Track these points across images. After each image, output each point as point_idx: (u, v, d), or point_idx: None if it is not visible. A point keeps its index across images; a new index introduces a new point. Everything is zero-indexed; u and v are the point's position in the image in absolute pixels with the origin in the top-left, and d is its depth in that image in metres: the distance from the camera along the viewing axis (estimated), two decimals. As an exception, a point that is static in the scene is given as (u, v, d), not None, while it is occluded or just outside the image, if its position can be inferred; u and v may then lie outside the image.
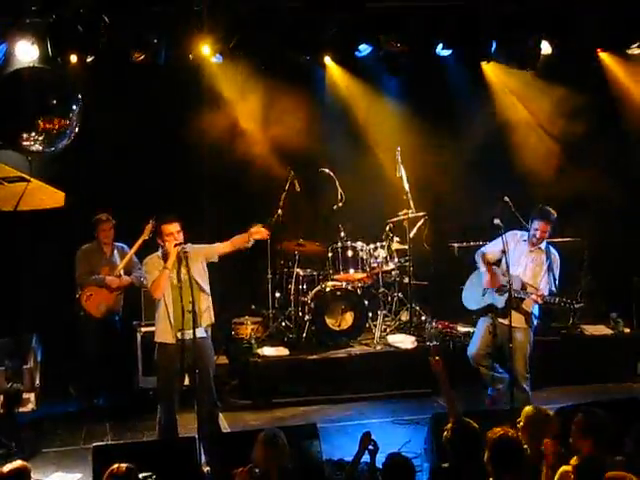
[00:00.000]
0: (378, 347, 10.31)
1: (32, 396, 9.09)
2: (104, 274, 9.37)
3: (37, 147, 9.18)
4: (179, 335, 7.66)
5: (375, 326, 10.54)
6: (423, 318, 10.72)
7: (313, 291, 10.45)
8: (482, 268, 8.78)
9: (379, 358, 10.18)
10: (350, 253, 10.53)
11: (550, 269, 8.55)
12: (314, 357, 10.09)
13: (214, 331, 8.53)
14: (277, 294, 10.82)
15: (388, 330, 10.62)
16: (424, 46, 10.20)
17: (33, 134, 9.09)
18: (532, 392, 8.63)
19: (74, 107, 9.34)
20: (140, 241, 9.07)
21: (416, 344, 10.25)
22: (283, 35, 9.64)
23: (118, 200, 10.09)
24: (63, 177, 9.78)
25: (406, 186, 10.61)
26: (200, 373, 7.69)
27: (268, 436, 5.93)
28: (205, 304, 7.82)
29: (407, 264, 10.79)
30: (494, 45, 10.18)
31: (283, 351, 10.17)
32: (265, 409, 9.57)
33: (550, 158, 11.52)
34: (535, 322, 8.72)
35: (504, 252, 8.30)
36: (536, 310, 8.66)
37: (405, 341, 10.30)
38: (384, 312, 10.74)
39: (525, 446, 5.48)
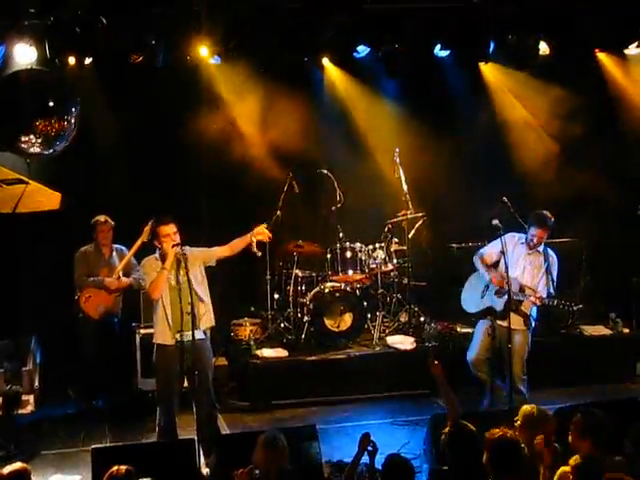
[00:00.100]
0: (377, 348, 10.31)
1: (31, 398, 9.08)
2: (103, 276, 9.37)
3: (35, 149, 9.16)
4: (178, 337, 7.65)
5: (374, 327, 10.54)
6: (422, 319, 10.71)
7: (312, 292, 10.45)
8: (482, 270, 8.78)
9: (378, 359, 10.18)
10: (349, 254, 10.54)
11: (548, 271, 8.55)
12: (313, 358, 10.08)
13: (213, 333, 8.53)
14: (276, 295, 10.81)
15: (387, 331, 10.62)
16: (422, 47, 10.20)
17: (31, 136, 9.07)
18: (531, 392, 8.63)
19: (72, 109, 9.33)
20: (139, 243, 9.06)
21: (415, 345, 10.25)
22: (281, 36, 9.64)
23: (116, 202, 10.10)
24: (61, 179, 9.81)
25: (405, 187, 10.61)
26: (199, 375, 7.69)
27: (268, 438, 5.94)
28: (203, 308, 7.81)
29: (406, 265, 10.80)
30: (492, 46, 10.18)
31: (282, 352, 10.17)
32: (264, 410, 9.57)
33: (549, 159, 11.51)
34: (533, 324, 8.72)
35: (503, 253, 8.32)
36: (534, 312, 8.67)
37: (404, 342, 10.30)
38: (383, 313, 10.74)
39: (523, 446, 5.49)
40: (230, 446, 6.96)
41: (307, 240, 10.78)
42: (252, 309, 10.99)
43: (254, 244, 7.93)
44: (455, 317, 10.44)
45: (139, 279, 9.02)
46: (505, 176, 11.23)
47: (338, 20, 9.62)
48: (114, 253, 9.57)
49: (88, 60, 9.56)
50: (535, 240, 8.56)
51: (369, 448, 6.00)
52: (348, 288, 10.43)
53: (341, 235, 10.57)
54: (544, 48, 10.27)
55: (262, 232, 7.93)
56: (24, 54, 9.14)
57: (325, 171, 10.64)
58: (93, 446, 7.01)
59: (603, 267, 11.02)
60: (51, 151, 9.38)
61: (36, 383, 9.28)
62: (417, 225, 10.73)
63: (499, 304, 8.57)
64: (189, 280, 7.51)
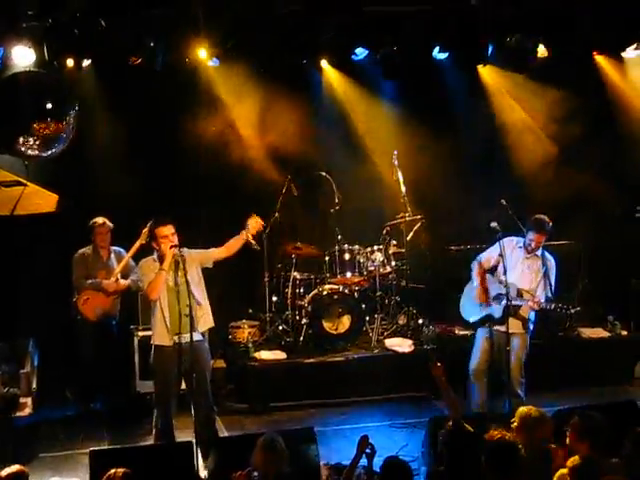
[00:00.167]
0: (375, 351, 10.30)
1: (29, 400, 9.07)
2: (101, 278, 9.36)
3: (33, 151, 9.15)
4: (176, 339, 7.64)
5: (372, 330, 10.53)
6: (420, 321, 10.71)
7: (310, 295, 10.44)
8: (475, 282, 8.77)
9: (376, 361, 10.18)
10: (347, 256, 10.54)
11: (546, 275, 8.54)
12: (311, 361, 10.08)
13: (211, 335, 8.53)
14: (274, 298, 10.81)
15: (385, 333, 10.61)
16: (421, 49, 10.20)
17: (29, 138, 9.06)
18: (529, 395, 8.61)
19: (71, 111, 9.32)
20: (137, 245, 9.05)
21: (413, 347, 10.25)
22: (280, 38, 9.64)
23: (115, 203, 10.10)
24: (59, 180, 9.79)
25: (403, 189, 10.61)
26: (197, 377, 7.69)
27: (267, 440, 5.94)
28: (201, 310, 7.81)
29: (404, 267, 10.80)
30: (491, 48, 10.19)
31: (280, 355, 10.16)
32: (262, 413, 9.57)
33: (547, 161, 11.52)
34: (531, 327, 8.72)
35: (502, 256, 8.32)
36: (532, 315, 8.66)
37: (402, 344, 10.29)
38: (381, 315, 10.73)
39: (520, 447, 5.50)
40: (228, 448, 6.95)
41: (305, 242, 10.78)
42: (250, 311, 10.99)
43: (251, 239, 7.94)
44: (453, 319, 10.41)
45: (137, 281, 9.00)
46: (503, 178, 11.25)
47: (336, 22, 9.63)
48: (112, 255, 9.55)
49: (87, 62, 9.56)
50: (533, 245, 8.55)
51: (367, 450, 6.00)
52: (346, 290, 10.43)
53: (339, 237, 10.57)
54: (542, 50, 10.27)
55: (255, 225, 7.92)
56: (22, 56, 9.13)
57: (323, 173, 10.64)
58: (91, 449, 7.01)
59: (601, 269, 11.03)
60: (49, 153, 9.37)
61: (34, 385, 9.26)
62: (415, 227, 10.72)
63: (497, 311, 8.55)
64: (187, 282, 7.51)
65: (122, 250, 9.50)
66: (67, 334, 9.64)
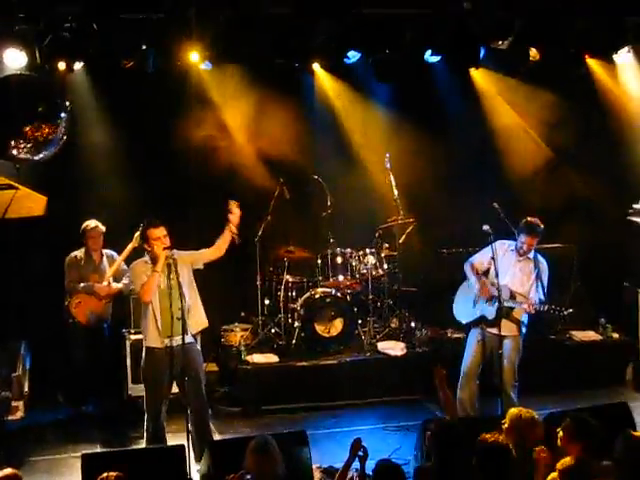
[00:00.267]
0: (368, 354, 10.30)
1: (21, 404, 9.07)
2: (93, 281, 9.35)
3: (25, 155, 9.13)
4: (167, 342, 7.65)
5: (365, 333, 10.53)
6: (413, 324, 10.71)
7: (302, 298, 10.44)
8: (472, 278, 8.78)
9: (369, 365, 10.19)
10: (339, 259, 10.55)
11: (539, 278, 8.55)
12: (304, 364, 10.08)
13: (203, 338, 8.53)
14: (266, 301, 10.79)
15: (378, 337, 10.60)
16: (413, 53, 10.20)
17: (21, 142, 9.05)
18: (520, 398, 8.62)
19: (62, 114, 9.32)
20: (130, 248, 9.06)
21: (406, 350, 10.25)
22: (272, 42, 9.63)
23: (106, 206, 10.10)
24: (51, 183, 9.77)
25: (395, 192, 10.61)
26: (191, 379, 7.69)
27: (259, 443, 5.93)
28: (193, 311, 7.81)
29: (396, 270, 10.80)
30: (483, 52, 10.20)
31: (273, 358, 10.16)
32: (255, 416, 9.57)
33: (539, 164, 11.54)
34: (524, 330, 8.72)
35: (493, 259, 8.32)
36: (525, 318, 8.67)
37: (395, 347, 10.30)
38: (374, 318, 10.72)
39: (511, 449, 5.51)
40: (221, 451, 6.93)
41: (298, 246, 10.78)
42: (242, 315, 10.98)
43: (234, 232, 7.94)
44: (446, 322, 10.42)
45: (129, 285, 8.99)
46: (496, 181, 11.26)
47: (328, 25, 9.63)
48: (104, 258, 9.54)
49: (78, 65, 9.54)
50: (525, 248, 8.57)
51: (360, 453, 6.00)
52: (339, 294, 10.43)
53: (331, 240, 10.58)
54: (534, 53, 10.29)
55: (234, 219, 7.91)
56: (14, 59, 9.10)
57: (315, 176, 10.64)
58: (83, 452, 6.99)
59: (594, 272, 11.04)
60: (41, 156, 9.36)
61: (26, 389, 9.26)
62: (408, 230, 10.73)
63: (491, 313, 8.56)
64: (179, 284, 7.51)
65: (114, 253, 9.50)
66: (59, 337, 9.63)
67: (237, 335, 10.47)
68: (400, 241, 10.67)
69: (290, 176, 10.71)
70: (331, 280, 10.52)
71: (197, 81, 10.47)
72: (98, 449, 8.45)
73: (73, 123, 9.65)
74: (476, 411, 8.72)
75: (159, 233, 7.72)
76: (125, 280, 9.29)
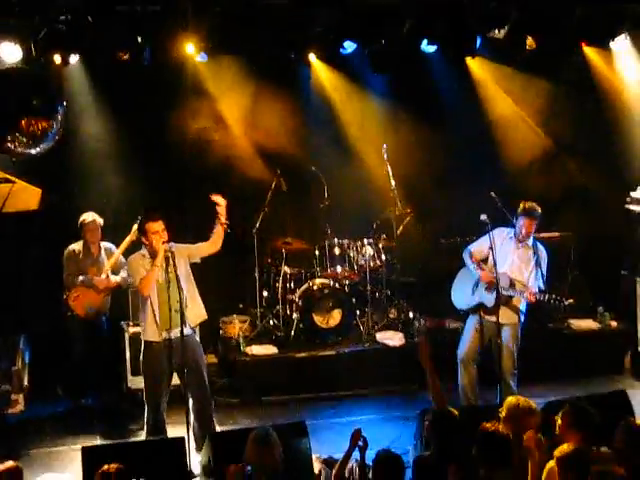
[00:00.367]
0: (366, 344, 10.31)
1: (20, 397, 9.07)
2: (91, 274, 9.34)
3: (22, 149, 9.12)
4: (165, 334, 7.66)
5: (363, 323, 10.54)
6: (411, 315, 10.72)
7: (301, 289, 10.44)
8: (471, 266, 8.78)
9: (367, 355, 10.20)
10: (337, 251, 10.54)
11: (538, 265, 8.55)
12: (302, 355, 10.09)
13: (202, 330, 8.53)
14: (265, 292, 10.81)
15: (376, 327, 10.61)
16: (409, 43, 10.18)
17: (17, 135, 9.04)
18: (520, 387, 8.65)
19: (58, 108, 9.30)
20: (128, 241, 9.06)
21: (404, 341, 10.27)
22: (268, 33, 9.62)
23: (103, 199, 10.10)
24: (47, 176, 9.75)
25: (392, 183, 10.62)
26: (191, 370, 7.71)
27: (260, 434, 5.95)
28: (191, 304, 7.81)
29: (394, 261, 10.81)
30: (479, 40, 10.19)
31: (271, 349, 10.17)
32: (254, 407, 9.58)
33: (537, 152, 11.54)
34: (523, 318, 8.73)
35: (491, 249, 8.32)
36: (524, 306, 8.68)
37: (393, 338, 10.31)
38: (372, 309, 10.72)
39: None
40: (221, 443, 6.95)
41: (295, 237, 10.78)
42: (241, 306, 10.99)
43: (225, 223, 7.94)
44: (444, 312, 10.45)
45: (127, 278, 8.98)
46: (493, 171, 11.25)
47: (324, 16, 9.61)
48: (102, 251, 9.52)
49: (74, 58, 9.53)
50: (524, 231, 8.56)
51: (360, 443, 6.01)
52: (337, 285, 10.43)
53: (329, 232, 10.58)
54: (530, 42, 10.27)
55: (221, 209, 7.91)
56: (9, 53, 9.08)
57: (313, 168, 10.64)
58: (83, 445, 7.01)
59: (591, 261, 11.05)
60: (37, 150, 9.35)
61: (25, 382, 9.27)
62: (405, 221, 10.74)
63: (489, 300, 8.56)
64: (177, 277, 7.52)
65: (112, 246, 9.48)
66: (58, 331, 9.63)
67: (236, 327, 10.47)
68: (398, 232, 10.68)
69: (287, 167, 10.70)
70: (329, 271, 10.52)
71: (193, 73, 10.46)
72: (98, 441, 8.48)
73: (69, 116, 9.63)
74: (477, 396, 8.74)
75: (157, 227, 7.72)
76: (123, 273, 9.27)
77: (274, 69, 10.62)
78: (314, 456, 7.13)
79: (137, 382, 9.20)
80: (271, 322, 10.61)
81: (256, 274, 10.63)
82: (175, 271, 7.54)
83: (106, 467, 5.45)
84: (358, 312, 10.59)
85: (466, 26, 9.89)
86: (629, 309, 10.63)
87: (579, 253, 11.02)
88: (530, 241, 8.65)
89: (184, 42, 9.50)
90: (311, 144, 11.26)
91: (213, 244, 7.97)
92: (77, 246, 9.49)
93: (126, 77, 9.96)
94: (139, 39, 9.28)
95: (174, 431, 8.00)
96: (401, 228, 10.71)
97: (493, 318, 8.39)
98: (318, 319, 10.26)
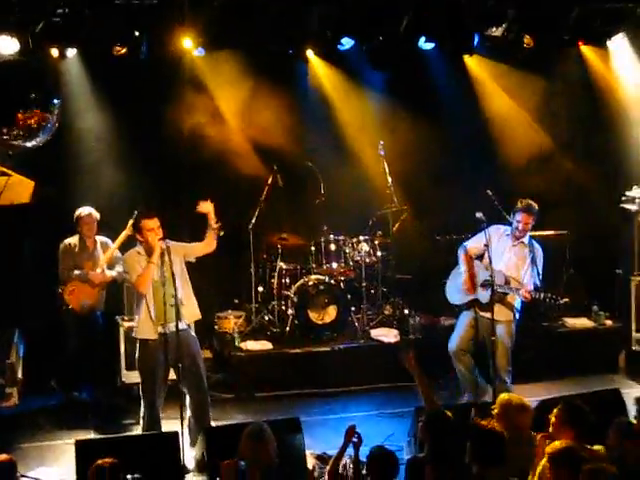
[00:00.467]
0: (361, 341, 10.31)
1: (14, 391, 9.07)
2: (87, 269, 9.32)
3: (18, 141, 9.11)
4: (160, 329, 7.65)
5: (358, 320, 10.54)
6: (406, 312, 10.72)
7: (296, 285, 10.44)
8: (462, 267, 8.79)
9: (362, 351, 10.20)
10: (333, 247, 10.54)
11: (534, 263, 8.57)
12: (297, 351, 10.09)
13: (197, 325, 8.52)
14: (260, 288, 10.80)
15: (371, 324, 10.61)
16: (407, 40, 10.18)
17: (13, 128, 9.02)
18: (514, 385, 8.66)
19: (55, 101, 9.29)
20: (124, 235, 9.03)
21: (399, 338, 10.27)
22: (265, 28, 9.61)
23: (99, 193, 10.08)
24: (43, 170, 9.72)
25: (389, 180, 10.62)
26: (188, 364, 7.70)
27: (254, 430, 5.95)
28: (186, 302, 7.80)
29: (390, 258, 10.82)
30: (477, 38, 10.19)
31: (266, 345, 10.17)
32: (248, 402, 9.58)
33: (533, 150, 11.54)
34: (517, 315, 8.74)
35: (487, 246, 8.33)
36: (518, 304, 8.69)
37: (388, 334, 10.32)
38: (367, 306, 10.73)
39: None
40: (215, 438, 6.96)
41: (291, 233, 10.78)
42: (236, 302, 10.99)
43: (215, 227, 7.93)
44: (440, 310, 10.47)
45: (123, 272, 8.96)
46: (490, 168, 11.25)
47: (322, 12, 9.61)
48: (98, 245, 9.50)
49: (71, 52, 9.51)
50: (520, 227, 8.57)
51: (354, 440, 6.01)
52: (332, 281, 10.43)
53: (325, 228, 10.57)
54: (527, 40, 10.28)
55: (210, 215, 7.90)
56: (6, 45, 9.07)
57: (309, 164, 10.64)
58: (76, 438, 7.00)
59: (586, 259, 11.05)
60: (34, 143, 9.34)
61: (19, 376, 9.26)
62: (401, 218, 10.74)
63: (484, 297, 8.57)
64: (173, 274, 7.51)
65: (108, 240, 9.45)
66: (52, 324, 9.62)
67: (231, 322, 10.46)
68: (394, 229, 10.69)
69: (283, 163, 10.70)
70: (325, 267, 10.52)
71: (190, 68, 10.45)
72: (92, 435, 8.46)
73: (65, 110, 9.62)
74: (477, 377, 8.74)
75: (153, 224, 7.70)
76: (119, 267, 9.25)
77: (271, 64, 10.62)
78: (308, 452, 7.14)
79: (131, 376, 9.20)
80: (266, 318, 10.61)
81: (252, 270, 10.63)
82: (171, 267, 7.52)
83: (100, 461, 5.43)
84: (353, 308, 10.59)
85: (464, 24, 9.92)
86: (624, 308, 10.65)
87: (574, 252, 11.03)
88: (526, 239, 8.66)
89: (181, 36, 9.51)
90: (308, 140, 11.25)
91: (207, 245, 7.96)
92: (73, 240, 9.46)
93: (123, 71, 9.95)
94: (136, 33, 9.30)
95: (168, 426, 7.99)
96: (397, 225, 10.72)
97: (487, 314, 8.38)
98: (313, 315, 10.26)
